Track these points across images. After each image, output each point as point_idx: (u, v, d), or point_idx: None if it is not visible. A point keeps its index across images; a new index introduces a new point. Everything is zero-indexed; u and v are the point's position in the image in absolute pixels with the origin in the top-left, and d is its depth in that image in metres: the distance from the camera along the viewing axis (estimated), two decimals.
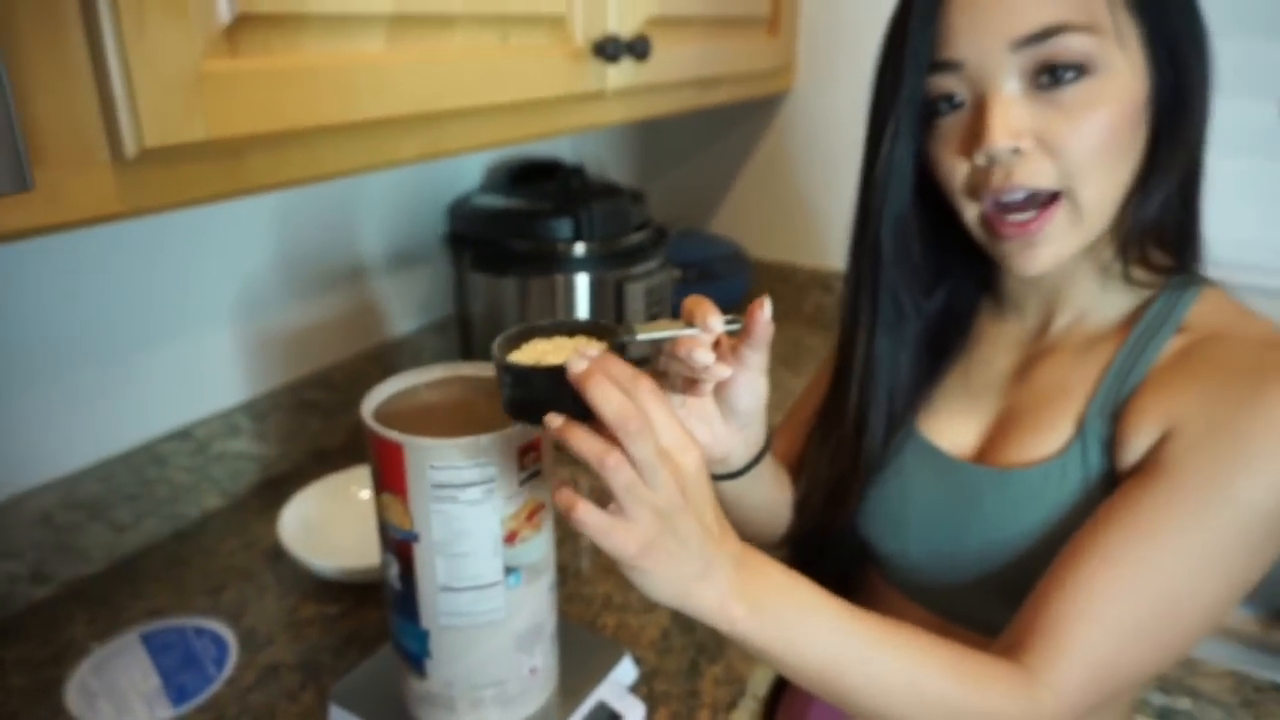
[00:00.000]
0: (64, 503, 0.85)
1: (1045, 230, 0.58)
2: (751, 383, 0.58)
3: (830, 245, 1.57)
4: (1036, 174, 0.57)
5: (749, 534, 0.70)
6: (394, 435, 0.58)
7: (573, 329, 0.56)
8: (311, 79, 0.63)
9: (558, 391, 0.49)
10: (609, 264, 1.16)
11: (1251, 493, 0.53)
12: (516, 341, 0.55)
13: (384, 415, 0.62)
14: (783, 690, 0.87)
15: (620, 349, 0.52)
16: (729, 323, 0.54)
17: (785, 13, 1.38)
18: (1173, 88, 0.57)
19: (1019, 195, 0.57)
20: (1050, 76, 0.55)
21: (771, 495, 0.72)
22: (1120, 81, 0.55)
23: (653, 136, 1.68)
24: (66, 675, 0.75)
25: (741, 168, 1.62)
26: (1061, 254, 0.59)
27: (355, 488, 0.97)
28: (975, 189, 0.60)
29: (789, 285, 1.62)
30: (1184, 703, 0.79)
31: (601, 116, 0.96)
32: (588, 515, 0.46)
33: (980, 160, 0.57)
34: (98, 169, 0.53)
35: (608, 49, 0.90)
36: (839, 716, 0.79)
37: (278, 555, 0.92)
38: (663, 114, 1.09)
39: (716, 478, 0.65)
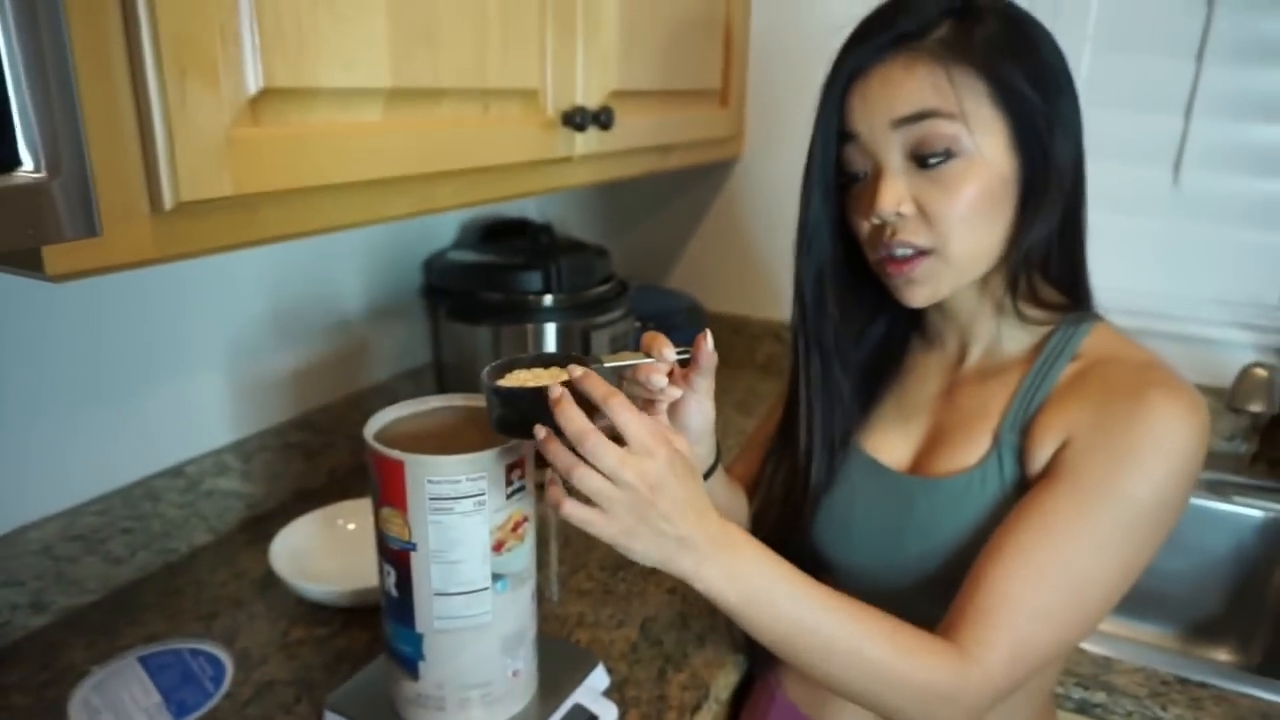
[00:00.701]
0: (63, 534, 0.90)
1: (917, 272, 0.70)
2: (700, 404, 0.69)
3: (780, 298, 1.68)
4: (915, 234, 0.69)
5: None
6: (396, 454, 0.66)
7: (549, 360, 0.67)
8: (320, 144, 0.71)
9: (540, 410, 0.59)
10: (576, 314, 1.25)
11: (1136, 489, 0.63)
12: (501, 372, 0.65)
13: (383, 439, 0.70)
14: (745, 695, 0.94)
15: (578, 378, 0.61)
16: (680, 353, 0.66)
17: (734, 86, 1.51)
18: (1038, 166, 0.68)
19: (904, 251, 0.70)
20: (927, 159, 0.67)
21: (726, 508, 0.82)
22: (985, 162, 0.67)
23: (614, 198, 1.79)
24: (68, 694, 0.79)
25: (697, 227, 1.74)
26: (938, 291, 0.71)
27: (342, 520, 1.03)
28: (874, 243, 0.72)
29: (742, 336, 1.72)
30: (1100, 696, 0.88)
31: (570, 179, 1.06)
32: (574, 510, 0.57)
33: (875, 220, 0.70)
34: (137, 220, 0.61)
35: (576, 119, 1.00)
36: (798, 718, 0.86)
37: (266, 585, 0.97)
38: (625, 177, 1.20)
39: None
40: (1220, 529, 1.26)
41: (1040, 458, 0.69)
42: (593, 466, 0.56)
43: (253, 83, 0.65)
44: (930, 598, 0.73)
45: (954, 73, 0.66)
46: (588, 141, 1.04)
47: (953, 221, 0.68)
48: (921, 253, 0.70)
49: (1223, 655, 1.26)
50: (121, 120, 0.58)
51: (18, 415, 0.87)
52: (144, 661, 0.84)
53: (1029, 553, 0.64)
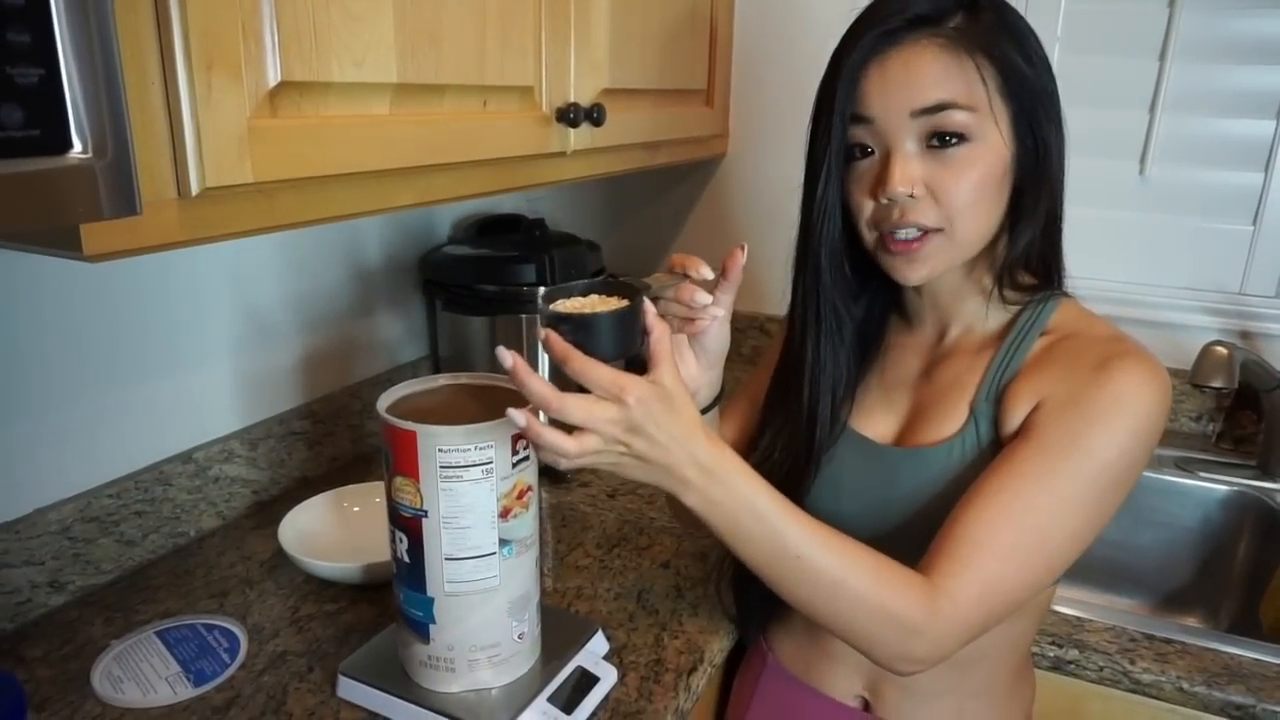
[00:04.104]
0: (80, 516, 0.93)
1: (924, 250, 0.74)
2: (723, 327, 0.74)
3: (765, 292, 1.73)
4: (923, 215, 0.73)
5: None
6: (409, 425, 0.70)
7: (598, 288, 0.68)
8: (332, 135, 0.75)
9: (613, 332, 0.62)
10: None
11: (1099, 444, 0.68)
12: (554, 297, 0.67)
13: (394, 413, 0.73)
14: (738, 659, 0.98)
15: (641, 300, 0.65)
16: (698, 267, 0.71)
17: (719, 87, 1.56)
18: (1033, 153, 0.73)
19: (912, 233, 0.73)
20: (939, 140, 0.71)
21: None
22: (992, 148, 0.72)
23: (604, 196, 1.83)
24: (90, 666, 0.83)
25: (683, 224, 1.78)
26: (936, 269, 0.75)
27: (346, 502, 1.07)
28: (877, 222, 0.75)
29: None
30: (1073, 653, 0.93)
31: (564, 173, 1.11)
32: (571, 460, 0.61)
33: (884, 200, 0.73)
34: (165, 205, 0.64)
35: (569, 114, 1.04)
36: (787, 680, 0.91)
37: (274, 566, 1.01)
38: (616, 172, 1.24)
39: None
40: (1187, 503, 1.31)
41: (1013, 421, 0.74)
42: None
43: (272, 76, 0.69)
44: (918, 559, 0.78)
45: (974, 60, 0.70)
46: (581, 137, 1.09)
47: (961, 203, 0.72)
48: (928, 232, 0.73)
49: (1192, 623, 1.31)
50: (153, 111, 0.62)
51: (35, 401, 0.90)
52: (161, 635, 0.88)
53: (997, 497, 0.69)
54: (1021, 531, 0.68)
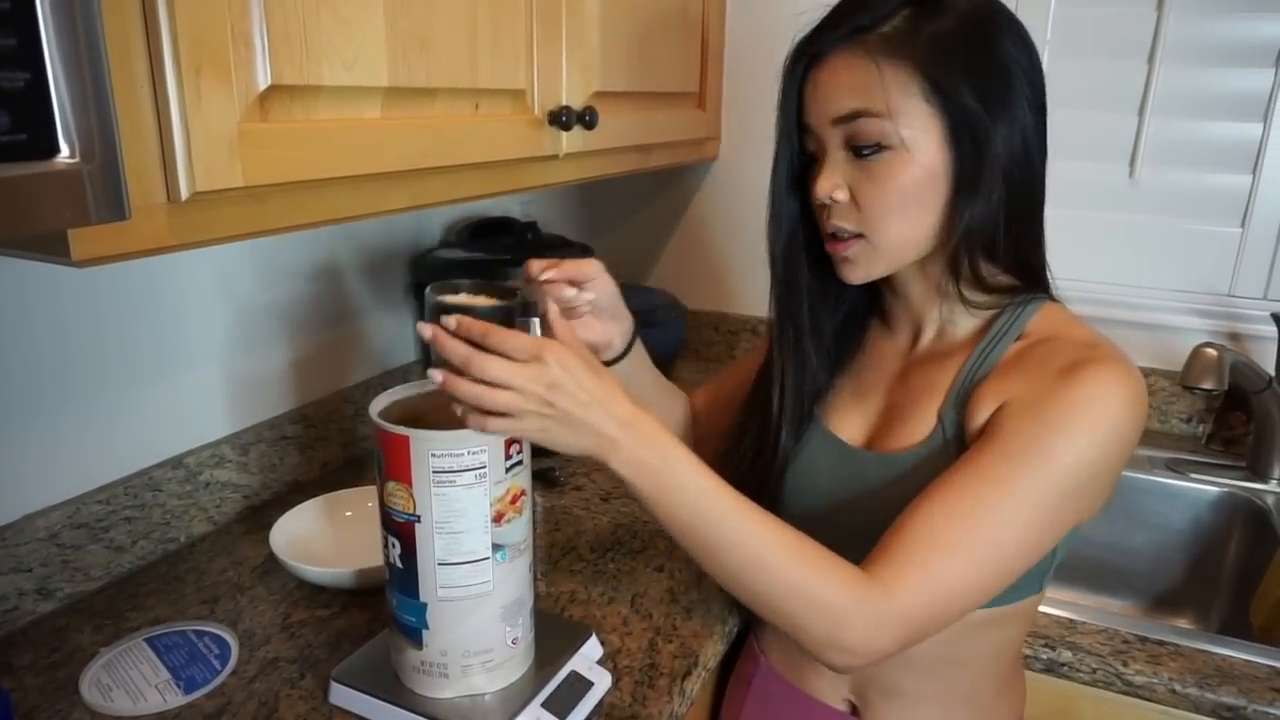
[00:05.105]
0: (68, 522, 0.92)
1: (848, 254, 0.77)
2: (600, 284, 0.83)
3: (755, 295, 1.73)
4: (846, 219, 0.76)
5: None
6: (401, 429, 0.69)
7: (486, 289, 0.74)
8: (323, 139, 0.75)
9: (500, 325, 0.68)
10: None
11: (1057, 449, 0.67)
12: (443, 291, 0.73)
13: (386, 418, 0.73)
14: (731, 663, 0.98)
15: (519, 299, 0.73)
16: (545, 269, 0.80)
17: (710, 90, 1.56)
18: (971, 160, 0.71)
19: (840, 232, 0.76)
20: (861, 149, 0.73)
21: (656, 390, 0.96)
22: (916, 157, 0.71)
23: (596, 200, 1.83)
24: (79, 674, 0.82)
25: (675, 227, 1.79)
26: (870, 272, 0.77)
27: (338, 508, 1.06)
28: (821, 222, 0.78)
29: (721, 332, 1.77)
30: (1065, 655, 0.93)
31: (556, 176, 1.10)
32: (492, 423, 0.65)
33: (817, 203, 0.77)
34: (155, 209, 0.64)
35: (561, 118, 1.04)
36: (779, 683, 0.91)
37: (265, 572, 1.00)
38: (608, 175, 1.24)
39: (609, 362, 0.88)
40: (1178, 505, 1.32)
41: (977, 422, 0.73)
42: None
43: (262, 80, 0.69)
44: None
45: (885, 70, 0.70)
46: (573, 140, 1.09)
47: (879, 211, 0.73)
48: (854, 236, 0.76)
49: (1183, 624, 1.32)
50: (142, 115, 0.61)
51: (23, 406, 0.89)
52: (151, 642, 0.87)
53: (950, 496, 0.68)
54: (970, 529, 0.67)
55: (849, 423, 0.85)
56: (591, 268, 0.82)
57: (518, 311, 0.71)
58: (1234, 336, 1.39)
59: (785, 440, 0.85)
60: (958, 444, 0.75)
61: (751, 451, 0.87)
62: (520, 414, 0.65)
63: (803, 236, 0.82)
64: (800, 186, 0.80)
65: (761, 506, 0.86)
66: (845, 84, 0.72)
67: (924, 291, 0.81)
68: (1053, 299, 0.79)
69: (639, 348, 0.90)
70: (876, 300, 0.87)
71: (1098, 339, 0.74)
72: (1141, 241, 1.42)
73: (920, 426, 0.78)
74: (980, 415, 0.73)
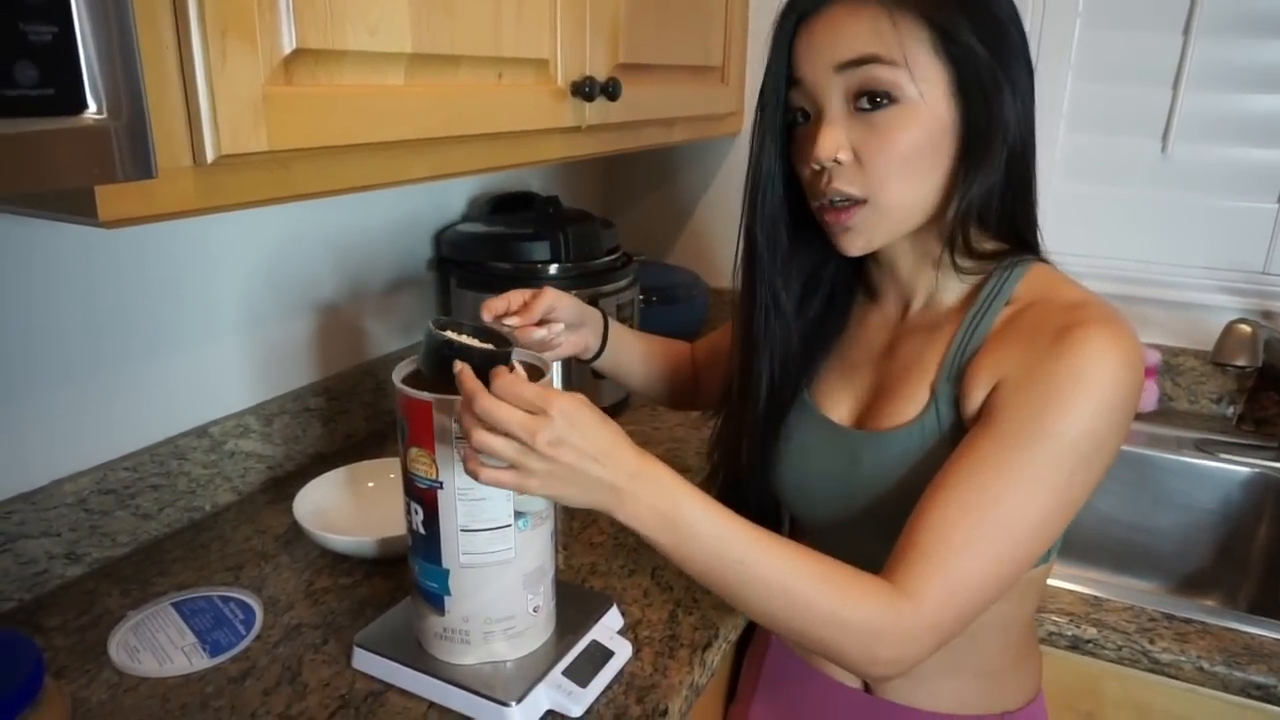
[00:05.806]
0: (97, 488, 0.94)
1: (852, 222, 0.72)
2: (561, 305, 0.87)
3: None
4: (849, 183, 0.71)
5: (644, 396, 1.06)
6: (424, 395, 0.69)
7: (484, 333, 0.73)
8: (347, 104, 0.75)
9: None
10: (583, 282, 1.28)
11: (1061, 425, 0.64)
12: (443, 326, 0.70)
13: (409, 384, 0.73)
14: (751, 633, 0.98)
15: (512, 348, 0.70)
16: (508, 318, 0.83)
17: (734, 64, 1.54)
18: (982, 116, 0.69)
19: (837, 199, 0.72)
20: (868, 102, 0.69)
21: (649, 358, 1.01)
22: (925, 111, 0.68)
23: (617, 175, 1.82)
24: (107, 636, 0.83)
25: (697, 203, 1.77)
26: (872, 241, 0.73)
27: (361, 478, 1.07)
28: (814, 189, 0.74)
29: None
30: (1091, 632, 0.92)
31: (579, 148, 1.10)
32: (490, 474, 0.62)
33: (815, 166, 0.72)
34: (181, 172, 0.64)
35: (585, 88, 1.03)
36: (792, 659, 0.90)
37: (289, 540, 1.01)
38: (631, 148, 1.23)
39: (587, 361, 0.93)
40: (1206, 485, 1.30)
41: (974, 402, 0.70)
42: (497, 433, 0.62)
43: (287, 43, 0.68)
44: (885, 547, 0.74)
45: (897, 18, 0.67)
46: (596, 111, 1.08)
47: (886, 171, 0.69)
48: (856, 202, 0.71)
49: (1211, 605, 1.30)
50: (168, 76, 0.61)
51: (51, 374, 0.90)
52: (178, 606, 0.88)
53: (958, 491, 0.66)
54: (985, 525, 0.64)
55: (837, 400, 0.83)
56: (549, 298, 0.86)
57: (513, 358, 0.70)
58: (1268, 315, 1.36)
59: (768, 426, 0.83)
60: (953, 420, 0.73)
61: (735, 441, 0.85)
62: (523, 466, 0.62)
63: (786, 209, 0.78)
64: (784, 153, 0.76)
65: (755, 494, 0.86)
66: (851, 30, 0.68)
67: (915, 263, 0.78)
68: (1040, 259, 0.76)
69: (615, 332, 0.92)
70: (860, 270, 0.84)
71: (1086, 298, 0.70)
72: (1174, 218, 1.39)
73: (912, 403, 0.75)
74: (976, 395, 0.70)
